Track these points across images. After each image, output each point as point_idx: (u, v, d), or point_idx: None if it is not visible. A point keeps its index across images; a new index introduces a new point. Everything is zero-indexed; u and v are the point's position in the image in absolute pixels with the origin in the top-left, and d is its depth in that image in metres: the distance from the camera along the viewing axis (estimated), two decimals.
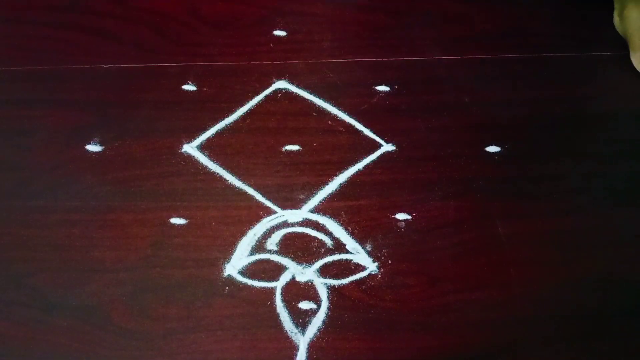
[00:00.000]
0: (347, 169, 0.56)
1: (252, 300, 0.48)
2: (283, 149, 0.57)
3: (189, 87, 0.61)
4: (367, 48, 0.65)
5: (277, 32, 0.66)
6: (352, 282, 0.49)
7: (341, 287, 0.49)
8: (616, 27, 0.67)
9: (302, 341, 0.46)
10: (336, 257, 0.51)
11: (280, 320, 0.47)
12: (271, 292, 0.49)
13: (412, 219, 0.53)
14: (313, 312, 0.48)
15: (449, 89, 0.62)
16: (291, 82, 0.62)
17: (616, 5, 0.67)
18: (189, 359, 0.46)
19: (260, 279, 0.49)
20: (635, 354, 0.47)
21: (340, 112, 0.60)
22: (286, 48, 0.65)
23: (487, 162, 0.57)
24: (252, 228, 0.52)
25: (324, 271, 0.50)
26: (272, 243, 0.51)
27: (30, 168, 0.55)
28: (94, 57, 0.63)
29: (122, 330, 0.47)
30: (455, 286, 0.49)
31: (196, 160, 0.56)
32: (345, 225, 0.52)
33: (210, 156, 0.56)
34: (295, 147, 0.57)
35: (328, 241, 0.51)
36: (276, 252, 0.51)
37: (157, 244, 0.51)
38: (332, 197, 0.54)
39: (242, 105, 0.60)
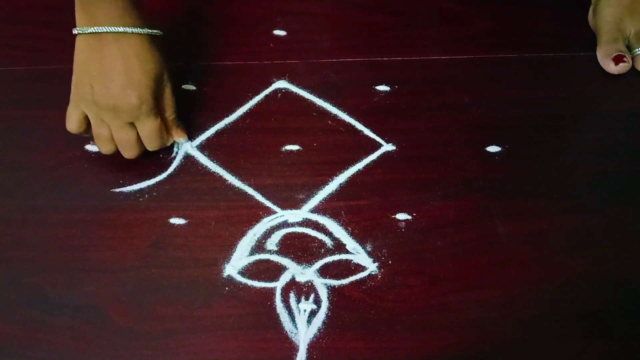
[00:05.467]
0: (347, 169, 0.56)
1: (252, 301, 0.48)
2: (283, 149, 0.57)
3: (189, 87, 0.61)
4: (367, 48, 0.65)
5: (277, 32, 0.66)
6: (352, 283, 0.49)
7: (341, 288, 0.49)
8: (589, 21, 0.67)
9: (302, 341, 0.47)
10: (336, 257, 0.51)
11: (280, 320, 0.47)
12: (271, 292, 0.49)
13: (412, 219, 0.53)
14: (313, 312, 0.48)
15: (449, 89, 0.62)
16: (291, 82, 0.62)
17: (593, 1, 0.68)
18: (189, 359, 0.46)
19: (260, 279, 0.49)
20: (635, 354, 0.47)
21: (340, 112, 0.60)
22: (286, 48, 0.65)
23: (487, 162, 0.57)
24: (252, 228, 0.52)
25: (324, 271, 0.50)
26: (272, 243, 0.51)
27: (30, 168, 0.55)
28: None
29: (122, 330, 0.47)
30: (455, 286, 0.49)
31: (196, 160, 0.56)
32: (345, 225, 0.52)
33: (210, 156, 0.56)
34: (295, 147, 0.57)
35: (328, 241, 0.51)
36: (276, 252, 0.51)
37: (157, 244, 0.51)
38: (332, 197, 0.54)
39: (242, 105, 0.60)
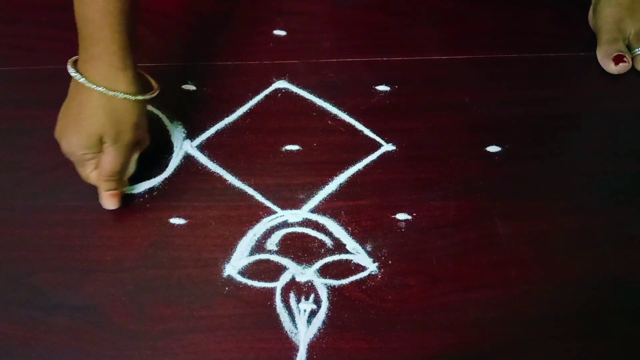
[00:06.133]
0: (347, 169, 0.56)
1: (252, 301, 0.48)
2: (283, 149, 0.57)
3: (189, 87, 0.61)
4: (367, 48, 0.65)
5: (277, 32, 0.66)
6: (352, 282, 0.49)
7: (341, 288, 0.49)
8: (589, 21, 0.67)
9: (302, 341, 0.47)
10: (336, 257, 0.51)
11: (280, 320, 0.47)
12: (271, 292, 0.49)
13: (412, 219, 0.53)
14: (313, 312, 0.48)
15: (449, 89, 0.62)
16: (291, 82, 0.62)
17: (593, 1, 0.68)
18: (189, 359, 0.46)
19: (260, 279, 0.49)
20: (635, 354, 0.47)
21: (340, 112, 0.59)
22: (286, 48, 0.65)
23: (487, 162, 0.57)
24: (252, 228, 0.52)
25: (324, 271, 0.50)
26: (272, 243, 0.51)
27: (30, 168, 0.55)
28: None
29: (122, 330, 0.47)
30: (455, 286, 0.49)
31: (196, 160, 0.56)
32: (345, 225, 0.52)
33: (210, 156, 0.56)
34: (295, 147, 0.57)
35: (328, 241, 0.51)
36: (276, 252, 0.51)
37: (157, 244, 0.51)
38: (332, 197, 0.54)
39: (242, 105, 0.60)
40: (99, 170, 0.51)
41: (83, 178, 0.52)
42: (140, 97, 0.49)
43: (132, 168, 0.53)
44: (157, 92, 0.51)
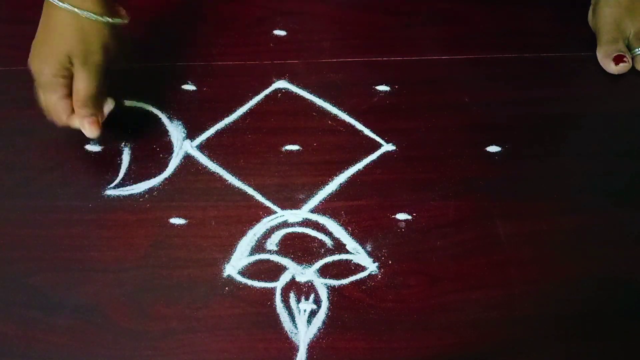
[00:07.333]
0: (347, 169, 0.56)
1: (252, 301, 0.48)
2: (283, 149, 0.57)
3: (189, 87, 0.61)
4: (367, 48, 0.65)
5: (277, 32, 0.66)
6: (352, 282, 0.49)
7: (341, 287, 0.49)
8: (589, 21, 0.67)
9: (302, 341, 0.47)
10: (336, 257, 0.51)
11: (280, 320, 0.47)
12: (271, 292, 0.49)
13: (412, 219, 0.53)
14: (313, 312, 0.48)
15: (449, 89, 0.62)
16: (291, 82, 0.62)
17: (592, 1, 0.68)
18: (189, 359, 0.46)
19: (260, 279, 0.49)
20: (635, 354, 0.47)
21: (340, 112, 0.60)
22: (286, 48, 0.65)
23: (487, 162, 0.57)
24: (252, 228, 0.52)
25: (324, 271, 0.50)
26: (272, 243, 0.51)
27: (30, 168, 0.55)
28: None
29: (122, 330, 0.47)
30: (455, 286, 0.49)
31: (196, 160, 0.56)
32: (345, 225, 0.52)
33: (210, 156, 0.56)
34: (295, 147, 0.57)
35: (328, 241, 0.51)
36: (276, 252, 0.51)
37: (157, 244, 0.51)
38: (332, 197, 0.54)
39: (242, 105, 0.60)
40: (74, 97, 0.50)
41: (52, 106, 0.51)
42: (107, 20, 0.50)
43: (110, 103, 0.53)
44: (127, 20, 0.52)
